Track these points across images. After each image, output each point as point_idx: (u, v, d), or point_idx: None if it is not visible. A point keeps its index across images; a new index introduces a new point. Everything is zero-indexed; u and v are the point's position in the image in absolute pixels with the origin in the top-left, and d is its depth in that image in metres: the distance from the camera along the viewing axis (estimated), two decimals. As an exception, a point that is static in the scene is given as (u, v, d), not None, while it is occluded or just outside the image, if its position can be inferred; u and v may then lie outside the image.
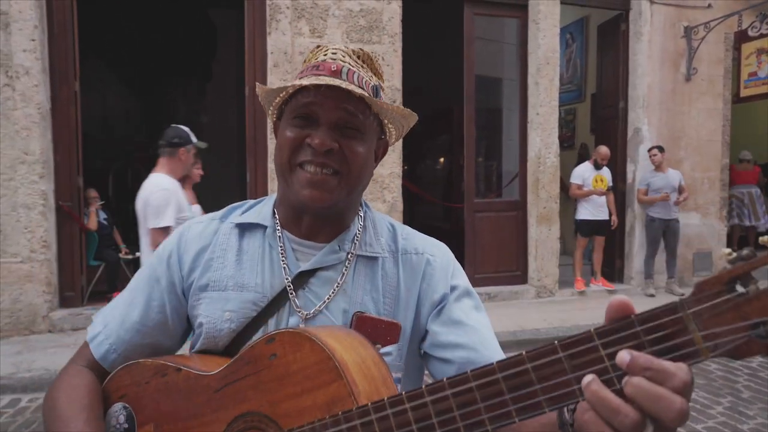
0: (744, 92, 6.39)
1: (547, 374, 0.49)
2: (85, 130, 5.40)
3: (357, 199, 0.88)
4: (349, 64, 0.80)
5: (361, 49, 0.84)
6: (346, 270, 0.84)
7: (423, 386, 0.56)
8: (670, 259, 6.46)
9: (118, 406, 0.81)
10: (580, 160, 7.26)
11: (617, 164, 6.59)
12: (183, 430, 0.75)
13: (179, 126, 3.29)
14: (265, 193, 5.32)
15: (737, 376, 4.04)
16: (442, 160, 9.68)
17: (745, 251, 0.42)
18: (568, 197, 6.69)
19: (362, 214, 0.90)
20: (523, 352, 0.51)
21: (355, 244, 0.86)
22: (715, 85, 6.72)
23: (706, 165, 6.78)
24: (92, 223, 5.28)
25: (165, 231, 2.81)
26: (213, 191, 10.24)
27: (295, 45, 5.27)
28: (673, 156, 6.48)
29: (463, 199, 6.16)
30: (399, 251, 0.88)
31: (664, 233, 6.34)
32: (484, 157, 7.64)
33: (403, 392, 0.58)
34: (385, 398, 0.58)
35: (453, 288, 0.86)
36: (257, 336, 0.79)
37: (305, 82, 0.76)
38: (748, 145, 8.64)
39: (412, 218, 8.00)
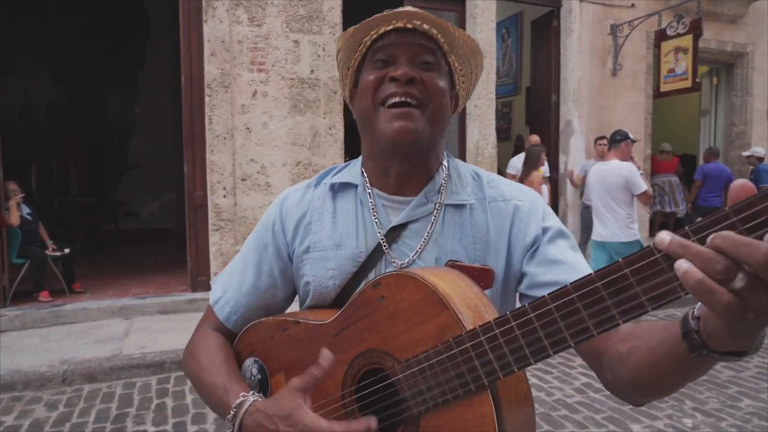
0: (663, 87, 6.85)
1: (644, 275, 0.49)
2: (4, 119, 5.05)
3: (438, 141, 0.88)
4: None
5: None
6: (435, 220, 0.86)
7: (525, 305, 0.60)
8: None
9: (249, 361, 0.89)
10: (516, 152, 7.54)
11: (550, 155, 6.87)
12: None
13: (622, 129, 4.67)
14: (203, 186, 5.19)
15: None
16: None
17: None
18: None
19: (446, 164, 0.91)
20: (620, 260, 0.52)
21: (442, 194, 0.87)
22: (638, 80, 7.16)
23: (631, 156, 7.23)
24: (14, 219, 4.94)
25: (647, 193, 4.26)
26: (148, 182, 9.86)
27: (233, 33, 5.14)
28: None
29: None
30: (486, 199, 0.88)
31: (594, 220, 6.71)
32: (425, 149, 7.76)
33: (507, 312, 0.61)
34: (492, 320, 0.63)
35: (545, 230, 0.87)
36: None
37: (387, 12, 0.82)
38: (667, 138, 9.27)
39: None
